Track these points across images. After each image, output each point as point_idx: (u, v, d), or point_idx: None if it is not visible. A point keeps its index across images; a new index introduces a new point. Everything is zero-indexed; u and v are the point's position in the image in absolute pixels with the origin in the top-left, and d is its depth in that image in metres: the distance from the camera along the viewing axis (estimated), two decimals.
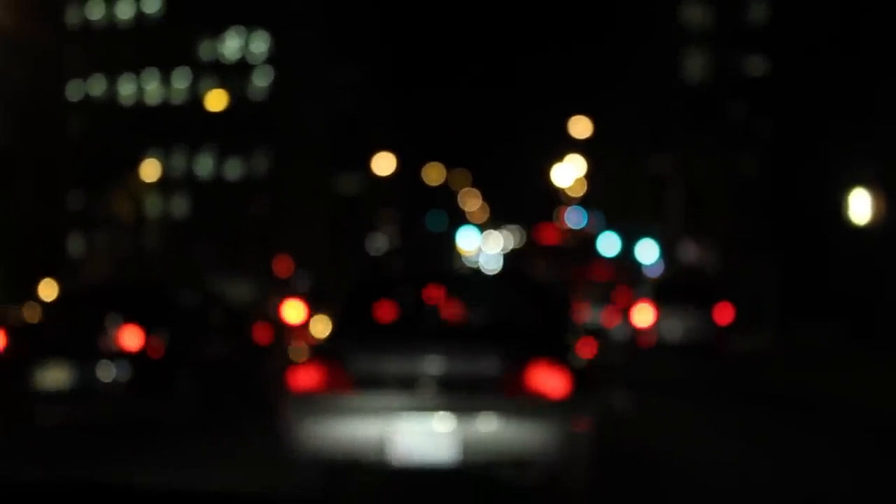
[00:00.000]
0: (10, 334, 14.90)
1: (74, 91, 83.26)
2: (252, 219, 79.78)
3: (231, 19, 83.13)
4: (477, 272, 20.35)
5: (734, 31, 63.47)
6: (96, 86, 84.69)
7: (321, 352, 10.32)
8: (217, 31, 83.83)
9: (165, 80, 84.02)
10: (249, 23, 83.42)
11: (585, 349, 10.97)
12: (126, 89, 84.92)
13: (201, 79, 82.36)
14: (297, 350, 18.86)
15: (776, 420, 15.38)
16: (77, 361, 14.25)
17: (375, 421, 8.91)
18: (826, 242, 36.33)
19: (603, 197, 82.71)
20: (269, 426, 10.46)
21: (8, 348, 14.62)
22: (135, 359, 14.31)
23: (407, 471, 9.22)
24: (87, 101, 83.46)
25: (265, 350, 17.69)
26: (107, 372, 14.17)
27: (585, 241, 78.17)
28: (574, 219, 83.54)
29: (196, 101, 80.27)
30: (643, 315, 29.69)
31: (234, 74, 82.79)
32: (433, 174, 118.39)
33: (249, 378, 16.32)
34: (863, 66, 36.26)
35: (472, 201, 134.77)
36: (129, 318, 14.53)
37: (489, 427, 8.94)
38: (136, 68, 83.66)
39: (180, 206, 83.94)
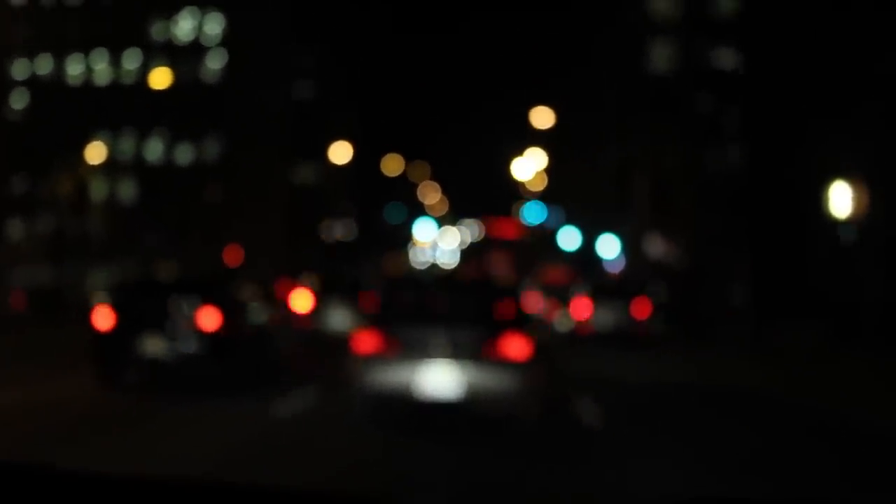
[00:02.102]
0: (117, 312, 18.47)
1: (20, 70, 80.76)
2: (203, 206, 77.35)
3: None
4: (470, 280, 25.29)
5: (701, 21, 62.09)
6: (43, 65, 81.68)
7: (378, 327, 14.70)
8: (170, 11, 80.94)
9: (115, 60, 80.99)
10: (203, 3, 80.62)
11: (538, 333, 16.40)
12: (74, 69, 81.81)
13: (152, 60, 79.50)
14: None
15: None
16: (168, 335, 18.24)
17: (408, 371, 14.06)
18: (803, 237, 34.57)
19: (564, 191, 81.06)
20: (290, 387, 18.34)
21: (116, 324, 18.33)
22: (210, 334, 18.39)
23: (425, 402, 14.02)
24: (34, 80, 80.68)
25: (277, 330, 22.49)
26: (190, 344, 18.29)
27: (544, 236, 78.27)
28: (533, 214, 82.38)
29: (146, 83, 77.75)
30: (581, 310, 35.51)
31: (186, 56, 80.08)
32: (392, 165, 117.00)
33: (269, 351, 21.12)
34: (841, 56, 34.62)
35: (431, 194, 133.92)
36: (205, 301, 18.65)
37: (475, 377, 13.99)
38: (85, 48, 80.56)
39: (128, 190, 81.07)
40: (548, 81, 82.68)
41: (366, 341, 14.49)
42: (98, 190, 75.84)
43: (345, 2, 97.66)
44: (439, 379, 13.93)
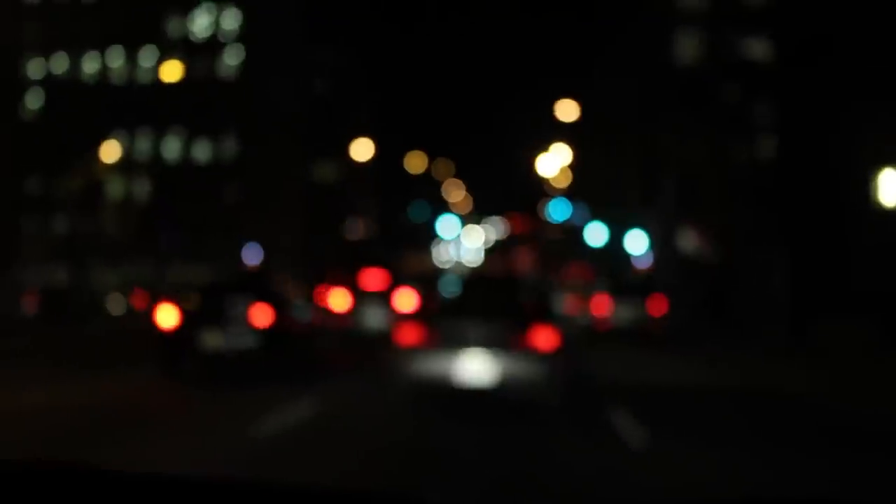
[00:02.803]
0: (182, 311, 20.11)
1: (35, 69, 79.66)
2: (221, 205, 76.01)
3: None
4: (500, 276, 27.41)
5: (729, 9, 60.73)
6: (58, 64, 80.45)
7: (421, 320, 16.00)
8: (186, 7, 79.53)
9: (131, 58, 79.65)
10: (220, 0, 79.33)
11: (564, 327, 16.86)
12: (90, 68, 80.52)
13: (169, 58, 78.17)
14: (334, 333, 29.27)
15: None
16: (225, 330, 19.83)
17: (447, 361, 15.22)
18: (846, 229, 32.74)
19: (589, 187, 79.53)
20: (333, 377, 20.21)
21: (182, 321, 19.96)
22: (262, 330, 19.97)
23: (462, 389, 15.15)
24: (49, 79, 79.52)
25: (316, 328, 24.24)
26: (246, 339, 19.84)
27: (569, 233, 77.08)
28: (558, 210, 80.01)
29: (163, 80, 76.46)
30: (600, 307, 36.33)
31: (203, 53, 78.67)
32: (415, 163, 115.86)
33: (313, 346, 23.21)
34: (884, 35, 32.96)
35: (455, 192, 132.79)
36: (258, 299, 20.33)
37: (507, 366, 15.10)
38: (101, 46, 79.21)
39: (144, 189, 79.69)
40: (573, 75, 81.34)
41: (407, 334, 15.81)
42: (114, 189, 74.73)
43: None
44: (474, 368, 15.23)
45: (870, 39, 34.16)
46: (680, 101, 59.70)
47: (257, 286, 21.71)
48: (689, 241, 48.74)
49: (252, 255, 70.90)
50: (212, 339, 19.84)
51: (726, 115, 56.64)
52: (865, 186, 29.80)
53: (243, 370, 20.05)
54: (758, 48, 59.49)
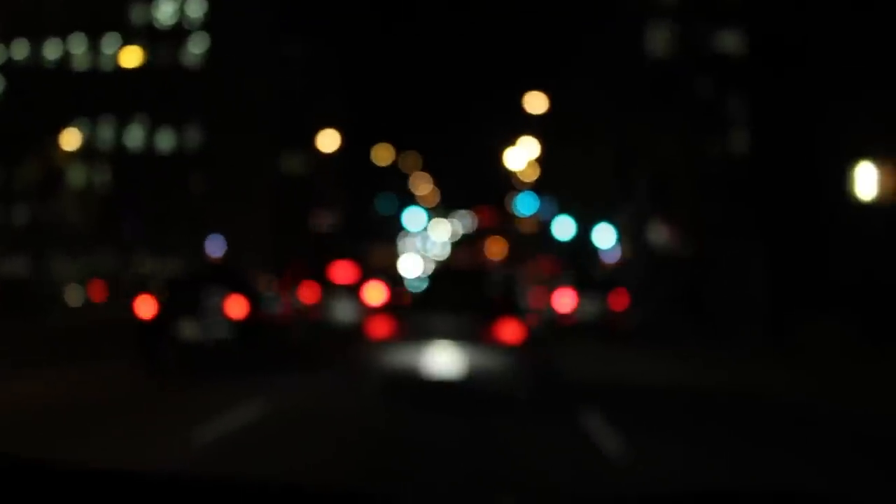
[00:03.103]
0: (158, 301, 20.49)
1: None
2: (185, 195, 74.83)
3: None
4: (468, 269, 27.87)
5: (702, 3, 60.16)
6: (19, 50, 78.91)
7: (391, 314, 16.32)
8: None
9: (94, 45, 78.20)
10: None
11: (530, 320, 17.21)
12: (51, 54, 79.05)
13: (132, 45, 76.84)
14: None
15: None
16: (202, 321, 20.16)
17: (417, 353, 15.54)
18: (822, 224, 31.97)
19: (558, 181, 78.88)
20: (301, 367, 20.81)
21: (158, 311, 20.27)
22: (238, 321, 20.33)
23: (432, 381, 15.41)
24: (9, 65, 78.03)
25: (288, 321, 24.53)
26: (222, 330, 20.22)
27: (537, 227, 77.51)
28: (526, 204, 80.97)
29: (126, 68, 75.13)
30: (564, 301, 36.38)
31: (167, 41, 77.37)
32: (382, 155, 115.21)
33: (286, 337, 23.68)
34: (859, 32, 32.28)
35: (422, 185, 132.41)
36: (233, 291, 20.70)
37: (476, 358, 15.41)
38: (63, 32, 77.68)
39: (106, 178, 78.32)
40: (542, 68, 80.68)
41: (378, 326, 16.12)
42: (75, 178, 73.50)
43: None
44: (443, 360, 15.48)
45: (844, 33, 33.53)
46: (652, 95, 59.13)
47: (231, 278, 22.13)
48: (660, 235, 47.98)
49: (215, 247, 69.85)
50: (189, 330, 20.25)
51: (698, 109, 56.00)
52: (842, 180, 29.08)
53: (219, 360, 20.31)
54: (730, 41, 59.04)
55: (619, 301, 35.64)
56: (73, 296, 56.43)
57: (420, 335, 15.68)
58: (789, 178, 34.39)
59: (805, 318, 29.05)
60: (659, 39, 63.35)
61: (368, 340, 16.14)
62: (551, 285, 41.09)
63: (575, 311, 35.57)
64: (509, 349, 15.48)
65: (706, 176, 51.19)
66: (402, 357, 15.68)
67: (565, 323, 35.07)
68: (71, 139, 63.65)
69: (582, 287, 36.40)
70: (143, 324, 20.32)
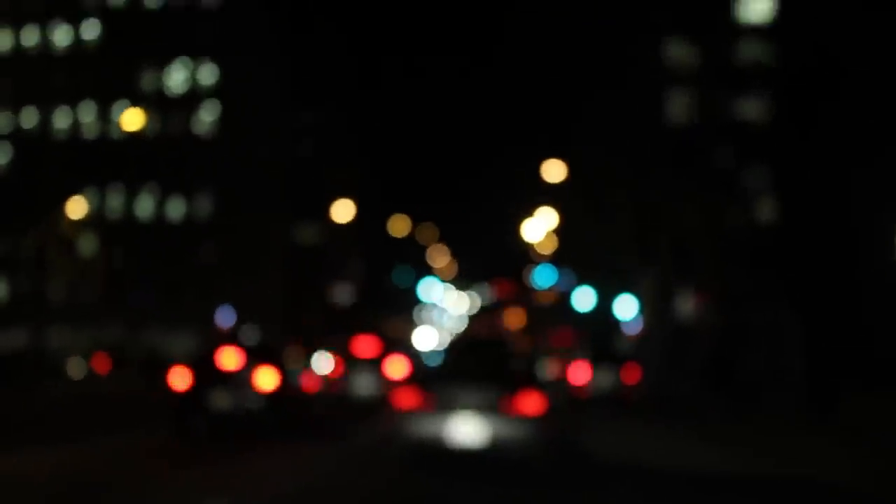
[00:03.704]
0: (192, 371, 21.14)
1: (4, 124, 77.17)
2: (195, 265, 73.26)
3: (177, 49, 76.64)
4: (488, 341, 27.02)
5: (720, 70, 59.26)
6: (28, 118, 77.77)
7: (418, 386, 17.24)
8: (161, 61, 77.02)
9: (103, 113, 76.93)
10: (196, 53, 76.73)
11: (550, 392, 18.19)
12: (60, 122, 77.94)
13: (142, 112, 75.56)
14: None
15: None
16: (233, 392, 20.82)
17: (442, 423, 16.27)
18: (862, 291, 30.03)
19: (576, 252, 77.47)
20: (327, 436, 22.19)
21: (193, 381, 20.90)
22: (268, 393, 20.94)
23: (457, 449, 16.10)
24: (18, 134, 76.89)
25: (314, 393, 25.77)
26: (252, 400, 20.84)
27: (555, 299, 76.67)
28: (544, 277, 79.19)
29: (136, 136, 73.83)
30: (579, 373, 37.46)
31: (178, 108, 76.14)
32: (399, 226, 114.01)
33: (310, 408, 24.40)
34: (880, 96, 30.84)
35: (440, 258, 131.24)
36: (264, 362, 21.39)
37: (499, 428, 16.10)
38: (72, 100, 76.50)
39: (117, 249, 76.76)
40: (560, 136, 79.23)
41: (405, 398, 16.77)
42: (84, 248, 72.15)
43: (347, 60, 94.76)
44: (468, 429, 16.00)
45: (869, 91, 32.16)
46: (672, 163, 57.97)
47: (263, 351, 22.70)
48: (687, 304, 46.21)
49: (226, 318, 68.42)
50: (220, 401, 20.92)
51: (720, 178, 54.84)
52: (883, 242, 27.25)
53: (249, 431, 20.90)
54: (751, 108, 58.24)
55: (631, 374, 36.56)
56: (76, 368, 55.06)
57: (445, 406, 16.32)
58: (823, 244, 32.63)
59: (847, 389, 26.86)
60: (678, 105, 62.46)
61: (396, 411, 16.98)
62: (567, 358, 41.99)
63: (589, 384, 36.55)
64: (529, 420, 16.19)
65: (730, 244, 49.77)
66: (428, 427, 16.35)
67: (579, 396, 35.72)
68: (78, 208, 62.24)
69: (596, 360, 37.50)
70: (176, 395, 21.16)
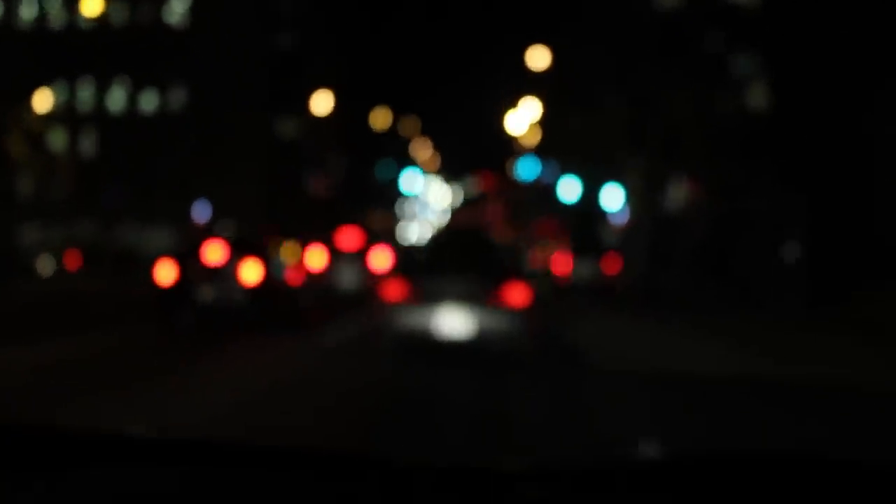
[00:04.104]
0: (179, 265, 21.36)
1: None
2: (169, 160, 71.16)
3: None
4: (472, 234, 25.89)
5: None
6: None
7: (404, 278, 17.35)
8: None
9: (70, 2, 74.11)
10: None
11: (535, 283, 18.98)
12: (26, 13, 75.06)
13: (111, 1, 72.84)
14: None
15: None
16: (219, 285, 21.13)
17: (429, 314, 16.57)
18: (872, 182, 28.23)
19: (561, 144, 75.89)
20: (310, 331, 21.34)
21: (179, 276, 21.22)
22: (253, 287, 21.21)
23: (444, 340, 16.44)
24: None
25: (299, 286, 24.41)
26: (237, 294, 21.14)
27: (539, 191, 75.73)
28: (527, 169, 78.95)
29: (105, 26, 71.33)
30: (563, 264, 39.10)
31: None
32: (381, 119, 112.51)
33: (295, 301, 23.53)
34: None
35: (422, 150, 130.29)
36: (249, 255, 21.54)
37: (485, 320, 16.40)
38: None
39: (88, 144, 74.58)
40: (544, 23, 77.29)
41: (393, 290, 17.01)
42: (55, 144, 70.08)
43: None
44: (454, 320, 16.32)
45: None
46: (660, 51, 56.31)
47: (247, 244, 22.54)
48: (679, 192, 44.48)
49: (201, 214, 66.65)
50: (206, 294, 21.05)
51: (710, 64, 53.17)
52: (890, 120, 25.49)
53: (233, 322, 20.94)
54: None
55: (611, 265, 38.64)
56: (45, 265, 53.59)
57: (431, 298, 16.63)
58: (824, 125, 30.79)
59: (856, 281, 25.13)
60: None
61: (383, 303, 17.16)
62: (550, 248, 43.80)
63: (570, 274, 38.15)
64: (515, 312, 16.43)
65: (722, 131, 48.20)
66: (415, 319, 16.64)
67: (560, 284, 37.10)
68: (42, 101, 60.05)
69: (577, 251, 39.35)
70: (162, 289, 21.28)
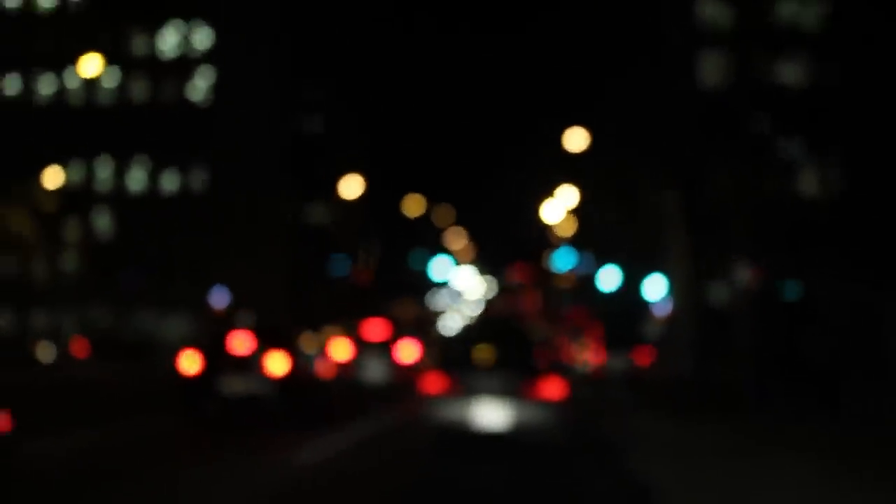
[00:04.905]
0: (203, 355, 20.90)
1: None
2: (190, 243, 68.44)
3: (170, 11, 71.67)
4: (509, 326, 25.87)
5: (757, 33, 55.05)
6: (9, 82, 72.68)
7: (445, 371, 17.81)
8: (153, 23, 71.94)
9: (90, 78, 71.77)
10: (190, 16, 71.48)
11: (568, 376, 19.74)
12: (45, 88, 72.85)
13: (133, 78, 70.70)
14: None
15: None
16: (246, 377, 20.52)
17: (468, 407, 16.97)
18: None
19: (597, 233, 73.61)
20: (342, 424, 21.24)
21: (203, 366, 20.69)
22: (279, 377, 20.61)
23: (481, 432, 16.75)
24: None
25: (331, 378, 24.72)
26: (261, 386, 20.49)
27: (574, 282, 75.34)
28: (563, 260, 77.39)
29: (125, 103, 69.10)
30: (596, 356, 39.79)
31: (171, 73, 71.15)
32: (413, 207, 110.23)
33: (323, 394, 23.22)
34: None
35: (457, 240, 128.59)
36: (275, 346, 20.94)
37: (521, 413, 16.85)
38: (57, 65, 71.31)
39: (104, 225, 72.04)
40: (582, 106, 74.98)
41: (432, 383, 17.62)
42: (70, 224, 67.64)
43: (355, 34, 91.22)
44: (492, 414, 16.81)
45: None
46: (704, 131, 54.02)
47: (275, 335, 21.83)
48: (743, 274, 40.86)
49: (219, 300, 64.00)
50: (232, 385, 20.34)
51: (759, 146, 50.98)
52: None
53: (260, 416, 20.36)
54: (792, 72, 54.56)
55: (643, 356, 38.95)
56: (45, 352, 51.10)
57: (469, 391, 17.05)
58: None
59: None
60: (711, 72, 58.51)
61: (423, 395, 17.64)
62: (583, 340, 44.49)
63: (603, 365, 38.66)
64: (549, 405, 16.90)
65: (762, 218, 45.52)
66: (457, 410, 17.03)
67: (594, 377, 37.27)
68: (53, 178, 57.60)
69: (610, 343, 39.98)
70: (185, 379, 20.63)
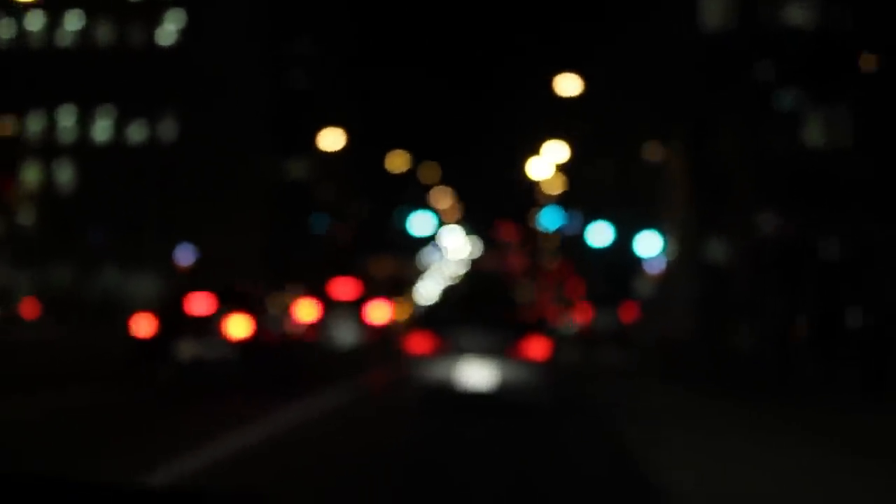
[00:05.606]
0: (158, 319, 19.94)
1: None
2: (159, 197, 65.38)
3: None
4: (494, 285, 27.22)
5: None
6: None
7: (430, 329, 17.66)
8: None
9: (53, 22, 68.50)
10: None
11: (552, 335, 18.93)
12: (5, 31, 69.39)
13: (97, 22, 67.40)
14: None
15: None
16: (203, 340, 19.57)
17: (451, 366, 16.92)
18: None
19: (591, 186, 71.32)
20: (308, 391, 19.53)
21: (157, 329, 19.71)
22: (240, 341, 19.77)
23: (465, 391, 16.73)
24: None
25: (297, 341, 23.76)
26: (221, 350, 19.55)
27: (562, 242, 75.91)
28: (550, 219, 76.59)
29: (90, 47, 65.76)
30: (583, 315, 39.18)
31: (138, 17, 67.85)
32: (397, 162, 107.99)
33: (290, 359, 22.24)
34: None
35: (443, 199, 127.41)
36: (235, 309, 20.04)
37: (505, 372, 16.79)
38: (18, 7, 67.87)
39: (66, 177, 68.83)
40: (575, 56, 72.46)
41: (416, 343, 17.53)
42: (30, 176, 64.60)
43: None
44: (476, 373, 16.76)
45: None
46: (706, 80, 51.31)
47: (237, 296, 21.15)
48: (768, 228, 37.26)
49: (185, 258, 61.08)
50: (188, 349, 19.51)
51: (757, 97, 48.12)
52: None
53: (218, 381, 19.44)
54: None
55: (628, 313, 38.82)
56: None
57: (454, 351, 16.96)
58: None
59: None
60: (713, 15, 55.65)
61: (408, 354, 17.76)
62: (569, 298, 44.39)
63: (590, 324, 38.08)
64: (534, 364, 16.90)
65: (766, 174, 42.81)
66: (441, 369, 17.01)
67: (583, 335, 36.87)
68: (5, 126, 54.67)
69: (597, 301, 39.86)
70: (138, 342, 19.79)
